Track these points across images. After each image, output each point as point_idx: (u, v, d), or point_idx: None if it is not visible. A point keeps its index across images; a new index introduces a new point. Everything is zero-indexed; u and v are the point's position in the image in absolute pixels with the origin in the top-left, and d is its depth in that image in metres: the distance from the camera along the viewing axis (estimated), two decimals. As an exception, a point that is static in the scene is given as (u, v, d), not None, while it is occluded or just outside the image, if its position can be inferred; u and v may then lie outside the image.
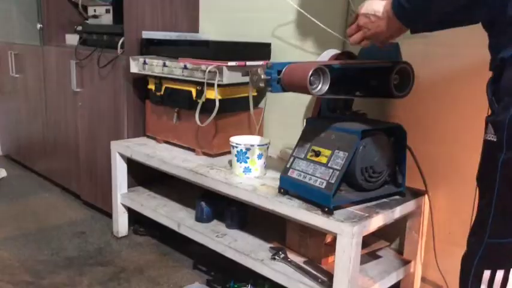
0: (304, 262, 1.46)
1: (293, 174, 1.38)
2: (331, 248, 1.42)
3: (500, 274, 0.91)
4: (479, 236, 0.93)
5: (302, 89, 1.23)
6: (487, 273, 0.92)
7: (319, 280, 1.34)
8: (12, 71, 2.81)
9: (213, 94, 1.69)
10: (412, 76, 1.37)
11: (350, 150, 1.28)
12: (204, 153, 1.83)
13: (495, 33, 0.93)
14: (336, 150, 1.30)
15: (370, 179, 1.35)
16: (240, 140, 1.60)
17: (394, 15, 1.06)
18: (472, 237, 0.96)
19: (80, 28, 2.34)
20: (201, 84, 1.73)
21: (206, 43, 1.78)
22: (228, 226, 1.71)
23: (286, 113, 1.91)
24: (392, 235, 1.63)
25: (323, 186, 1.28)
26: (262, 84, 1.30)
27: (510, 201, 0.87)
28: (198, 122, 1.73)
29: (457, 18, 1.07)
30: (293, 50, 1.86)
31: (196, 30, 2.24)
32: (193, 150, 1.87)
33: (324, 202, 1.28)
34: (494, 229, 0.90)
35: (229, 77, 1.67)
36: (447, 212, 1.50)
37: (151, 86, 1.97)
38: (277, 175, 1.47)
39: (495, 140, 0.87)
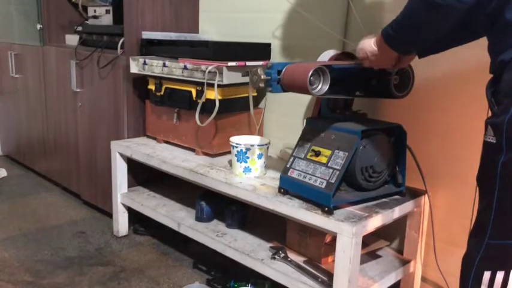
0: (304, 262, 1.46)
1: (293, 174, 1.38)
2: (331, 247, 1.42)
3: (500, 276, 0.91)
4: (480, 238, 0.93)
5: (302, 89, 1.24)
6: (487, 275, 0.92)
7: (319, 279, 1.35)
8: (12, 71, 2.81)
9: (213, 94, 1.69)
10: (412, 76, 1.37)
11: (350, 150, 1.28)
12: (204, 153, 1.83)
13: (494, 37, 0.93)
14: (336, 150, 1.31)
15: (370, 179, 1.35)
16: (240, 140, 1.60)
17: (386, 45, 1.07)
18: (473, 239, 0.96)
19: (80, 28, 2.34)
20: (201, 84, 1.73)
21: (206, 43, 1.78)
22: (228, 226, 1.71)
23: (286, 113, 1.92)
24: (392, 235, 1.63)
25: (323, 186, 1.28)
26: (262, 85, 1.30)
27: (510, 203, 0.87)
28: (198, 122, 1.73)
29: (455, 40, 1.08)
30: (293, 50, 1.86)
31: (196, 31, 2.24)
32: (193, 150, 1.87)
33: (323, 202, 1.28)
34: (495, 231, 0.90)
35: (229, 77, 1.67)
36: (447, 212, 1.50)
37: (152, 86, 1.97)
38: (277, 175, 1.47)
39: (494, 141, 0.87)
